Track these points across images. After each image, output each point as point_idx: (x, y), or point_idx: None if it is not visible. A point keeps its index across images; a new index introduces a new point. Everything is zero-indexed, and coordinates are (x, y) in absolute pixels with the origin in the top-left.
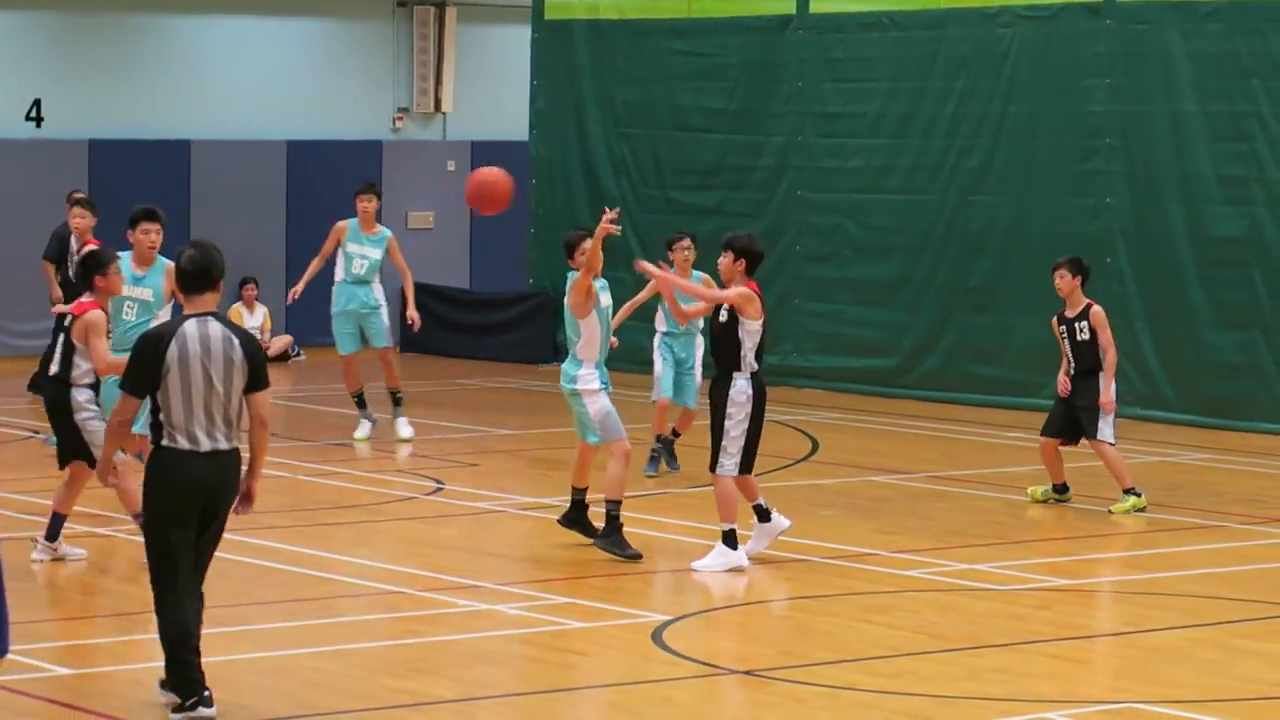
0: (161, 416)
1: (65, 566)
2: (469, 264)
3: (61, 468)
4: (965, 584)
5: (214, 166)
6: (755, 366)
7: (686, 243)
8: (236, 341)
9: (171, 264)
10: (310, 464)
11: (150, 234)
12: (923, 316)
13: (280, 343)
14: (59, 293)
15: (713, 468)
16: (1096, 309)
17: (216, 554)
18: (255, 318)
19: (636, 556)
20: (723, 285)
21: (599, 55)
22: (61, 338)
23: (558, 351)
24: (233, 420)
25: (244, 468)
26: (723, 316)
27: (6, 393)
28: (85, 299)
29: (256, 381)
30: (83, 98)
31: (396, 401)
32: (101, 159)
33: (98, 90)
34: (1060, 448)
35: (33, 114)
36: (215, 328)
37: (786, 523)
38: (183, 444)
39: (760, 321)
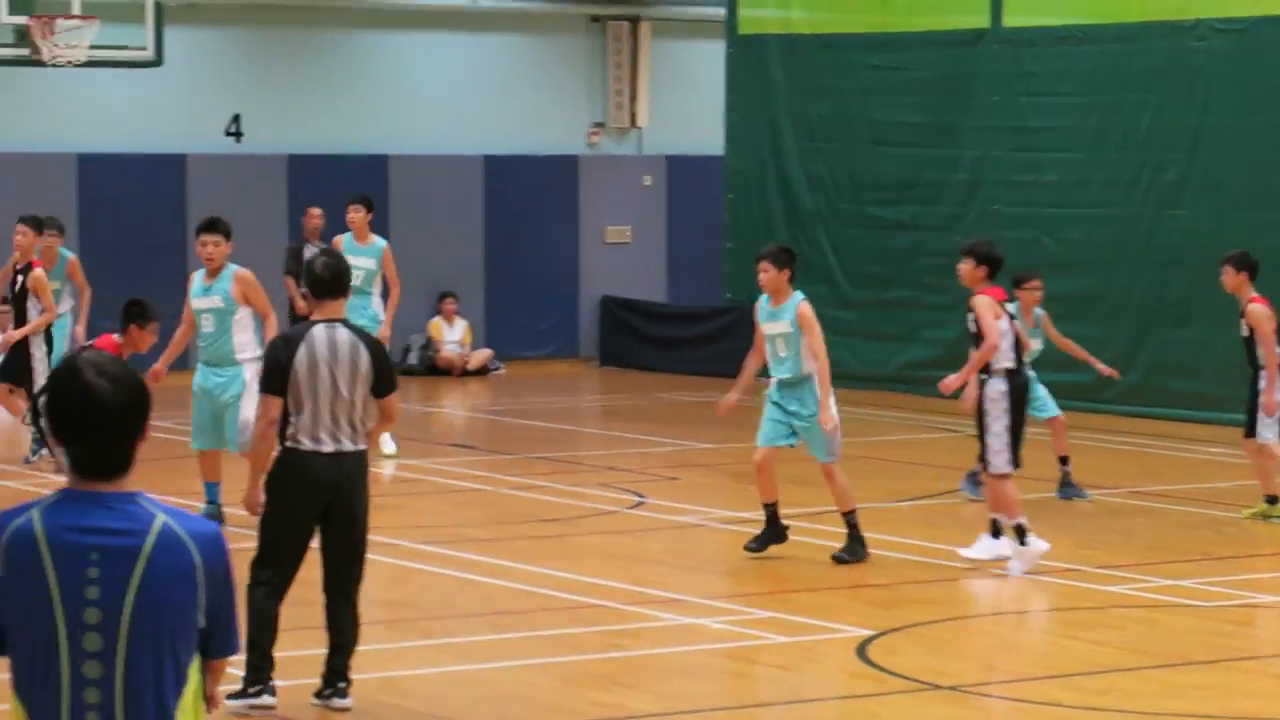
0: (291, 418)
1: None
2: (665, 278)
3: None
4: (1169, 600)
5: (412, 181)
6: (1009, 364)
7: (1037, 283)
8: (363, 347)
9: (240, 270)
10: (511, 477)
11: (207, 245)
12: (1120, 331)
13: (480, 356)
14: (302, 305)
15: (986, 469)
16: (1252, 306)
17: (420, 566)
18: (455, 331)
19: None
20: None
21: (793, 69)
22: None
23: None
24: (358, 424)
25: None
26: (971, 327)
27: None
28: (114, 338)
29: (383, 386)
30: (282, 113)
31: None
32: (300, 174)
33: (297, 106)
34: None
35: (233, 129)
36: (343, 333)
37: (1044, 545)
38: (307, 444)
39: (1004, 322)
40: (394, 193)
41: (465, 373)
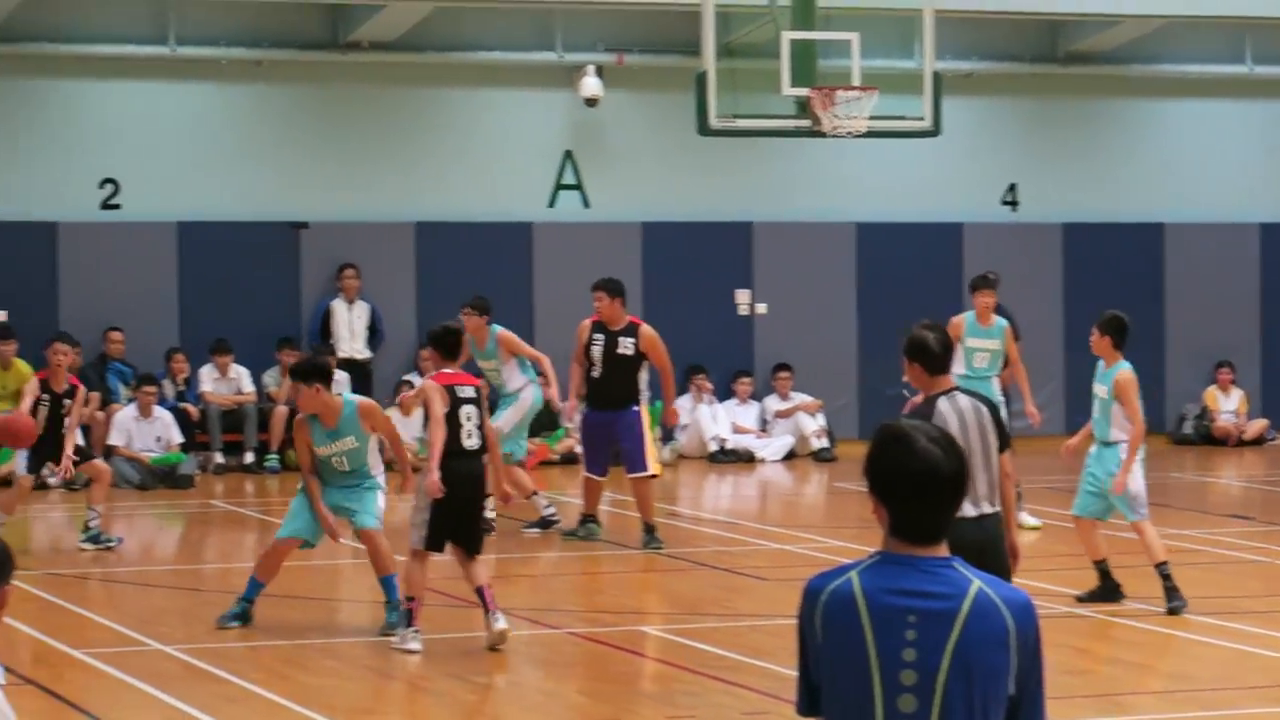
0: None
1: None
2: None
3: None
4: None
5: (1188, 249)
6: None
7: None
8: (984, 409)
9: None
10: None
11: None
12: None
13: (1256, 426)
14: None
15: None
16: None
17: (1196, 637)
18: (1230, 400)
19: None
20: None
21: None
22: (475, 409)
23: None
24: (994, 484)
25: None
26: None
27: None
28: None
29: (1003, 442)
30: (1058, 181)
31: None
32: (1075, 242)
33: (1073, 174)
34: None
35: (1009, 198)
36: (963, 400)
37: None
38: (969, 512)
39: None
40: (1169, 261)
41: (1241, 442)
